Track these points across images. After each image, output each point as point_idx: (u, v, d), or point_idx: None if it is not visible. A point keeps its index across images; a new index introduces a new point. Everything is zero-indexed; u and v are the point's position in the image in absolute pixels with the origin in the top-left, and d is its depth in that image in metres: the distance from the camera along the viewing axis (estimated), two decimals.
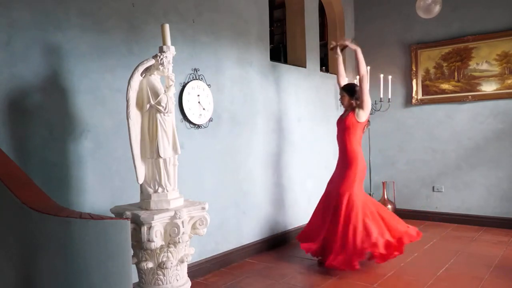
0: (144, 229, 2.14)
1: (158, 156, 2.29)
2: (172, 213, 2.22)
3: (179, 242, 2.23)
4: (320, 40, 5.16)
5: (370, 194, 5.43)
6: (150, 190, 2.33)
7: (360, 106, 3.62)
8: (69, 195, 2.61)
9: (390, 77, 5.18)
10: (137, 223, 2.17)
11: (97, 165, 2.76)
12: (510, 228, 4.66)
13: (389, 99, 5.14)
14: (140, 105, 2.32)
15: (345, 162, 3.68)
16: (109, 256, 1.65)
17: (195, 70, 3.45)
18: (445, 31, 5.06)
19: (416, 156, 5.34)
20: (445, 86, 5.11)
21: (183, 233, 2.23)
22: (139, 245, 2.20)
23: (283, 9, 5.60)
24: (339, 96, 3.85)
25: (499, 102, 4.76)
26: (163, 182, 2.32)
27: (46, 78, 2.52)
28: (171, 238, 2.23)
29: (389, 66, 5.45)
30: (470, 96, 4.93)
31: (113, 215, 2.30)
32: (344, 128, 3.67)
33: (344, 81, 3.91)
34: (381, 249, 3.32)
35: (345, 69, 5.56)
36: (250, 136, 4.01)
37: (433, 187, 5.23)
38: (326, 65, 5.65)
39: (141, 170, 2.30)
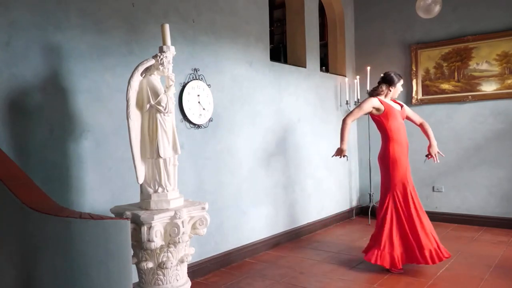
0: (144, 229, 2.14)
1: (158, 156, 2.29)
2: (172, 213, 2.22)
3: (179, 242, 2.23)
4: (320, 40, 5.17)
5: (370, 194, 5.45)
6: (150, 190, 2.33)
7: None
8: (69, 195, 2.61)
9: None
10: (137, 223, 2.17)
11: (97, 165, 2.76)
12: (510, 228, 4.66)
13: None
14: (140, 105, 2.32)
15: (407, 154, 3.58)
16: (109, 256, 1.65)
17: (195, 70, 3.45)
18: (445, 31, 5.06)
19: (416, 156, 5.31)
20: (445, 86, 5.11)
21: (183, 233, 2.23)
22: (139, 245, 2.20)
23: (283, 9, 5.60)
24: (401, 88, 3.61)
25: (499, 102, 4.76)
26: (163, 182, 2.32)
27: (46, 78, 2.52)
28: (171, 238, 2.23)
29: (389, 66, 5.43)
30: (470, 96, 4.93)
31: (113, 215, 2.30)
32: (403, 119, 3.63)
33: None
34: None
35: (345, 70, 5.59)
36: (250, 136, 4.01)
37: (433, 187, 5.23)
38: (326, 65, 5.66)
39: (141, 170, 2.30)
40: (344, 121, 3.51)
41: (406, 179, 3.45)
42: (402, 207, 3.42)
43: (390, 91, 3.56)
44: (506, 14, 4.68)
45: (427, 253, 3.32)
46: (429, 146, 3.72)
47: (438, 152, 3.70)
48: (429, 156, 3.73)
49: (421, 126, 3.79)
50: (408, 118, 3.73)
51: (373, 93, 3.59)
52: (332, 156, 3.56)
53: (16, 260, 1.70)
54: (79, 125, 2.68)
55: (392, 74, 3.58)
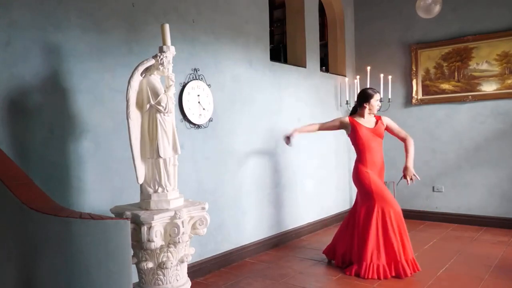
0: (144, 229, 2.14)
1: (158, 156, 2.28)
2: (172, 213, 2.22)
3: (179, 242, 2.23)
4: (320, 40, 5.16)
5: None
6: (150, 190, 2.32)
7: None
8: (69, 195, 2.61)
9: (390, 77, 5.18)
10: (137, 223, 2.17)
11: (97, 165, 2.76)
12: (510, 228, 4.66)
13: (389, 99, 5.14)
14: (140, 105, 2.32)
15: (382, 172, 3.58)
16: (109, 256, 1.65)
17: (195, 70, 3.45)
18: (445, 31, 5.06)
19: (416, 156, 5.28)
20: (445, 86, 5.11)
21: (183, 233, 2.23)
22: (139, 245, 2.20)
23: (283, 9, 5.60)
24: (377, 103, 3.56)
25: (499, 102, 4.76)
26: (163, 182, 2.32)
27: (46, 78, 2.52)
28: (171, 238, 2.23)
29: (389, 66, 5.45)
30: (470, 96, 4.93)
31: (113, 215, 2.30)
32: (380, 137, 3.57)
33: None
34: None
35: (345, 70, 5.58)
36: (250, 136, 4.01)
37: (433, 187, 5.23)
38: (326, 65, 5.66)
39: (141, 170, 2.30)
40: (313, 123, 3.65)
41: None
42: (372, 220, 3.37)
43: (365, 107, 3.55)
44: (506, 14, 4.68)
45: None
46: (404, 168, 3.53)
47: (414, 175, 3.50)
48: (404, 178, 3.53)
49: (404, 141, 3.65)
50: (391, 133, 3.66)
51: (352, 112, 3.70)
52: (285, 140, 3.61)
53: (16, 260, 1.70)
54: (79, 125, 2.68)
55: (367, 90, 3.62)
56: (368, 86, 5.20)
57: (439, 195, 5.19)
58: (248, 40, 3.99)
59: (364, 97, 3.57)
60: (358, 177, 3.53)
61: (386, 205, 3.37)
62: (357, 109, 3.64)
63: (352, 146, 3.70)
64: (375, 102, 3.55)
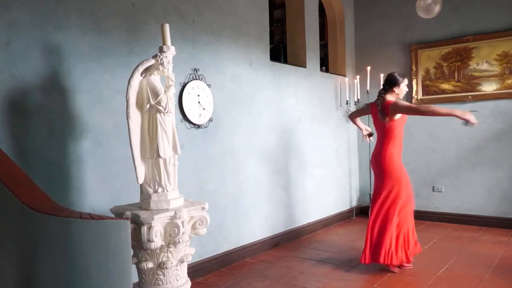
0: (144, 229, 2.14)
1: (158, 156, 2.29)
2: (172, 213, 2.22)
3: (179, 242, 2.23)
4: (320, 40, 5.16)
5: (370, 194, 5.45)
6: (150, 190, 2.32)
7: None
8: (69, 195, 2.61)
9: None
10: (137, 223, 2.17)
11: (97, 165, 2.76)
12: (510, 228, 4.66)
13: None
14: (140, 105, 2.32)
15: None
16: (109, 256, 1.65)
17: (195, 70, 3.45)
18: (445, 31, 5.06)
19: (416, 156, 5.34)
20: (445, 86, 5.11)
21: (183, 233, 2.23)
22: (139, 245, 2.20)
23: (283, 9, 5.60)
24: (405, 88, 3.49)
25: (499, 102, 4.76)
26: (163, 182, 2.32)
27: (46, 78, 2.52)
28: (171, 238, 2.23)
29: (389, 66, 5.43)
30: (470, 96, 4.93)
31: (113, 215, 2.30)
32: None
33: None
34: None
35: (345, 70, 5.59)
36: (250, 136, 4.01)
37: (433, 187, 5.23)
38: (326, 65, 5.66)
39: (141, 170, 2.30)
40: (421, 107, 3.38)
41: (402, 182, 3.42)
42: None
43: (394, 91, 3.42)
44: (506, 14, 4.68)
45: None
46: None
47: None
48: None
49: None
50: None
51: (381, 98, 3.42)
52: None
53: (16, 260, 1.70)
54: (79, 125, 2.68)
55: (395, 74, 3.46)
56: (368, 86, 5.21)
57: (439, 195, 5.19)
58: (248, 40, 3.99)
59: (393, 81, 3.42)
60: (391, 165, 3.38)
61: (409, 197, 3.44)
62: (383, 94, 3.43)
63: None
64: (404, 86, 3.47)
